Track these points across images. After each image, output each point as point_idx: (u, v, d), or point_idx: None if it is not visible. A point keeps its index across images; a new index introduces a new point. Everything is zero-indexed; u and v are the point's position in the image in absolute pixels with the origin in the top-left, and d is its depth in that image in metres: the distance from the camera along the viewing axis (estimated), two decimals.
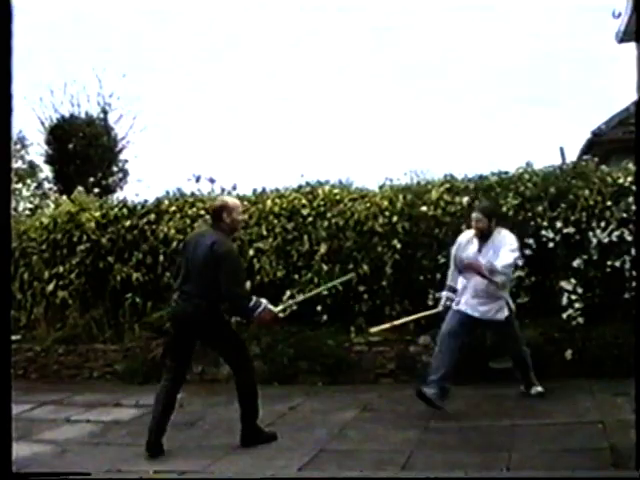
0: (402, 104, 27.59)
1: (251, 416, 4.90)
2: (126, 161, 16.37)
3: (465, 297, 5.65)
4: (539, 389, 5.82)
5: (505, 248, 5.51)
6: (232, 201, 5.06)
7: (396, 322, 6.28)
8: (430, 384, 5.45)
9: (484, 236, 5.63)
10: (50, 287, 7.89)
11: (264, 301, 4.84)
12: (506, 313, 5.65)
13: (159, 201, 8.01)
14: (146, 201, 8.11)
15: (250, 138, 25.40)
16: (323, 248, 7.18)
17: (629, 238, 6.41)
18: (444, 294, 5.91)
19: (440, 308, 5.93)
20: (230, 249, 4.83)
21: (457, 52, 28.67)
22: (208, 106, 27.42)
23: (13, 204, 14.65)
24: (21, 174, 17.89)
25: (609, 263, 6.50)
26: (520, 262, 6.13)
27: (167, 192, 8.16)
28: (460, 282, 5.76)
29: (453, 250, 5.89)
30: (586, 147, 11.67)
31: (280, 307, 5.47)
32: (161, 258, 7.67)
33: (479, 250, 5.61)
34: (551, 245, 6.64)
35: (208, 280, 4.70)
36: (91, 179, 11.71)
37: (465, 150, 23.72)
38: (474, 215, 5.72)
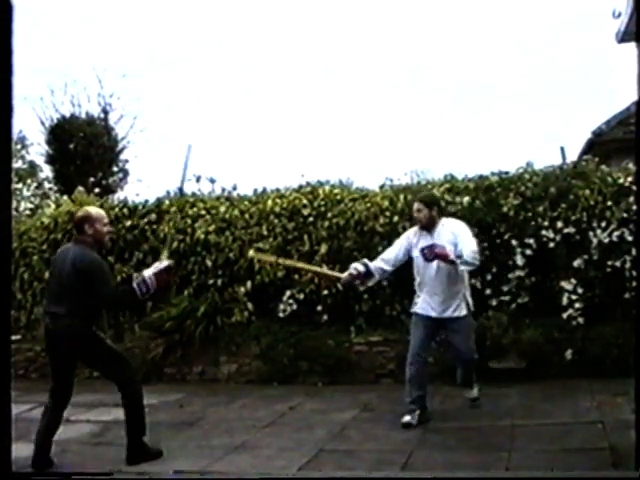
0: (402, 104, 27.60)
1: (140, 429, 4.68)
2: (126, 161, 16.43)
3: (422, 296, 5.40)
4: (474, 393, 5.60)
5: (464, 237, 5.23)
6: (96, 211, 4.85)
7: (287, 261, 6.41)
8: (413, 410, 5.28)
9: (428, 227, 5.35)
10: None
11: (144, 273, 4.60)
12: (464, 312, 5.35)
13: (160, 201, 8.02)
14: (147, 201, 8.11)
15: (250, 138, 25.43)
16: (323, 248, 7.18)
17: (629, 238, 6.40)
18: (354, 264, 5.54)
19: (343, 275, 5.61)
20: (92, 260, 4.57)
21: (457, 52, 28.69)
22: (208, 106, 27.45)
23: (14, 204, 14.66)
24: (21, 174, 17.92)
25: (609, 263, 6.50)
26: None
27: (168, 192, 8.18)
28: (415, 280, 5.49)
29: (398, 241, 5.59)
30: (586, 147, 11.67)
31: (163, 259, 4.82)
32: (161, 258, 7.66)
33: (431, 241, 5.31)
34: (551, 245, 6.64)
35: (76, 298, 4.49)
36: (91, 179, 11.74)
37: (465, 150, 23.72)
38: (414, 205, 5.49)
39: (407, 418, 5.26)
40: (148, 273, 4.57)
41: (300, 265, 6.53)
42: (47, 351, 4.79)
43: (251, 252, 6.61)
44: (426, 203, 5.41)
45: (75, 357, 4.68)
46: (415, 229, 5.52)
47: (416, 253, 5.41)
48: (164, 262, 4.73)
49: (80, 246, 4.64)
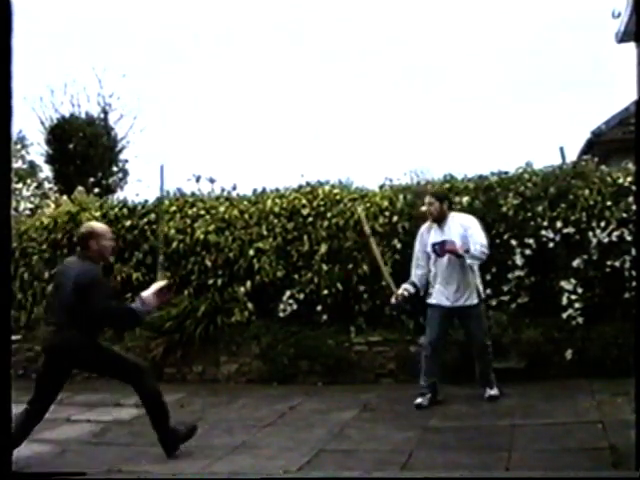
0: (402, 104, 27.61)
1: (164, 420, 4.71)
2: (126, 161, 16.39)
3: (437, 286, 5.72)
4: (492, 392, 5.75)
5: (473, 230, 5.59)
6: (100, 227, 4.91)
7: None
8: (424, 394, 5.68)
9: (439, 220, 5.73)
10: (50, 287, 7.89)
11: (143, 294, 4.67)
12: (476, 300, 5.68)
13: (159, 201, 8.01)
14: (146, 201, 8.12)
15: (250, 138, 25.42)
16: (323, 248, 7.18)
17: (629, 238, 6.41)
18: (405, 285, 5.83)
19: (392, 300, 5.93)
20: (94, 276, 4.60)
21: (457, 52, 28.69)
22: (208, 106, 27.43)
23: (13, 204, 14.64)
24: (21, 174, 17.88)
25: (609, 263, 6.50)
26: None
27: (167, 192, 8.16)
28: (431, 272, 5.80)
29: (416, 244, 5.91)
30: (586, 147, 11.66)
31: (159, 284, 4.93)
32: (161, 258, 7.66)
33: (441, 234, 5.69)
34: (551, 245, 6.64)
35: (76, 312, 4.48)
36: (91, 179, 11.72)
37: (465, 150, 23.75)
38: (426, 199, 5.85)
39: (419, 400, 5.64)
40: (147, 293, 4.67)
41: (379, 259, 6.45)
42: (45, 364, 4.70)
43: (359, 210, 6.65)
44: (437, 197, 5.82)
45: (69, 371, 4.74)
46: (427, 224, 5.86)
47: (429, 247, 5.77)
48: (161, 282, 4.97)
49: (86, 262, 4.65)
